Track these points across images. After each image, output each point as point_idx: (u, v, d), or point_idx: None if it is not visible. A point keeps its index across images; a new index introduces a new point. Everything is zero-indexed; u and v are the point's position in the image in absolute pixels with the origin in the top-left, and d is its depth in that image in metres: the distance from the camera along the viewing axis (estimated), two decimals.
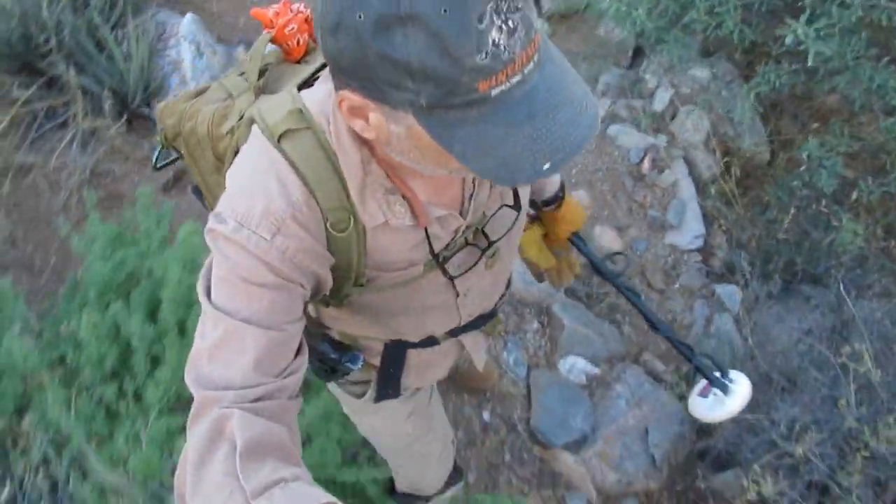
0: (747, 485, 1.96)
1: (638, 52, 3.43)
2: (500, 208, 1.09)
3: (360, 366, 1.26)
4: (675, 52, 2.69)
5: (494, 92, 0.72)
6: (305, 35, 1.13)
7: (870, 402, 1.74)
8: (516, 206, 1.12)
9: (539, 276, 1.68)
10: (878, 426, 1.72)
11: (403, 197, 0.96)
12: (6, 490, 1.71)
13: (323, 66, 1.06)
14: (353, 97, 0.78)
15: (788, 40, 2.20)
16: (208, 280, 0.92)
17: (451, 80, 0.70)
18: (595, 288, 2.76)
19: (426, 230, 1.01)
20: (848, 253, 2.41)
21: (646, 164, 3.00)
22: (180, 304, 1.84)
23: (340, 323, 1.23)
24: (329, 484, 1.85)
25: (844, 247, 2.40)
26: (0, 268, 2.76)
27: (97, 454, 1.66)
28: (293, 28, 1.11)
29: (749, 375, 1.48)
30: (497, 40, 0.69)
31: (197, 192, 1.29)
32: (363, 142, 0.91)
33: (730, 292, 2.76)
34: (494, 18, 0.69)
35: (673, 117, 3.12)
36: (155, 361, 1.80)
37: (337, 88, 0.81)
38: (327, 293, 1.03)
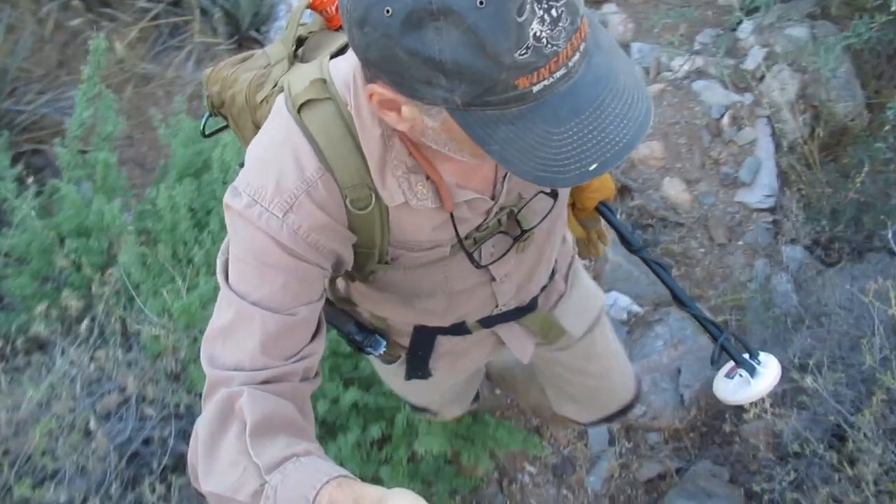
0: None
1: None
2: (535, 195, 1.03)
3: (381, 351, 1.25)
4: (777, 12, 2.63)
5: (536, 88, 0.66)
6: None
7: (892, 345, 1.71)
8: (553, 193, 1.06)
9: None
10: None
11: (427, 178, 0.91)
12: (86, 323, 1.99)
13: None
14: (383, 91, 0.73)
15: None
16: (226, 257, 0.91)
17: (489, 78, 0.65)
18: (656, 234, 2.78)
19: (451, 214, 0.95)
20: None
21: (725, 121, 2.96)
22: None
23: (368, 301, 1.20)
24: None
25: None
26: (119, 162, 3.14)
27: (152, 303, 1.91)
28: None
29: (798, 338, 1.47)
30: (539, 33, 0.63)
31: None
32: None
33: (795, 254, 2.70)
34: (536, 8, 0.63)
35: (763, 77, 3.05)
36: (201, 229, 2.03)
37: (367, 81, 0.76)
38: (350, 269, 1.01)
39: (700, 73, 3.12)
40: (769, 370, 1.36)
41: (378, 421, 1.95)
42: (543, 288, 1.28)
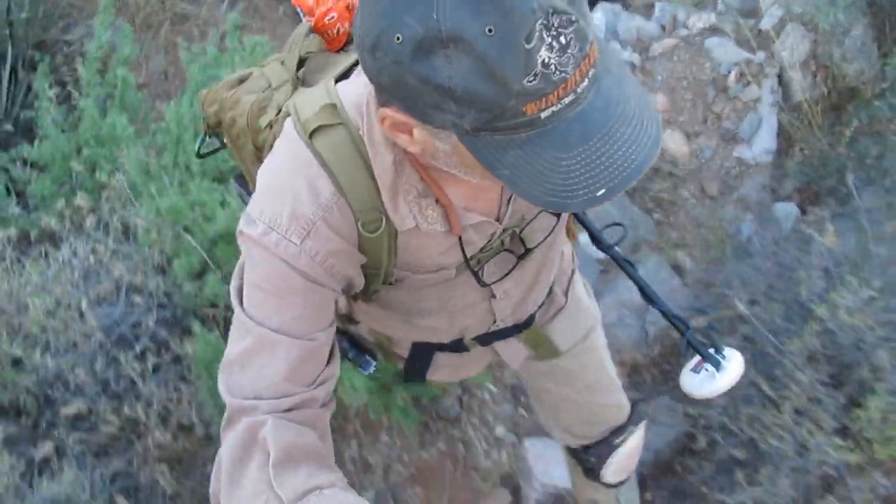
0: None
1: None
2: (539, 213, 1.04)
3: (370, 371, 1.29)
4: None
5: (544, 114, 0.67)
6: (346, 24, 1.09)
7: (830, 277, 1.74)
8: (556, 213, 1.07)
9: None
10: (834, 301, 1.73)
11: (437, 202, 0.92)
12: (91, 220, 2.21)
13: None
14: (395, 115, 0.75)
15: None
16: (240, 282, 0.91)
17: (498, 105, 0.66)
18: (647, 182, 2.82)
19: (459, 237, 0.97)
20: None
21: (732, 77, 2.96)
22: None
23: (370, 318, 1.21)
24: None
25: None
26: (153, 95, 3.37)
27: (149, 204, 2.10)
28: (333, 17, 1.08)
29: (742, 268, 1.51)
30: (547, 60, 0.65)
31: (240, 180, 1.30)
32: (395, 143, 0.85)
33: (787, 211, 2.69)
34: (544, 36, 0.64)
35: (777, 37, 3.02)
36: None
37: (379, 104, 0.77)
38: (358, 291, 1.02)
39: (714, 31, 3.12)
40: (734, 364, 1.39)
41: None
42: (541, 305, 1.29)
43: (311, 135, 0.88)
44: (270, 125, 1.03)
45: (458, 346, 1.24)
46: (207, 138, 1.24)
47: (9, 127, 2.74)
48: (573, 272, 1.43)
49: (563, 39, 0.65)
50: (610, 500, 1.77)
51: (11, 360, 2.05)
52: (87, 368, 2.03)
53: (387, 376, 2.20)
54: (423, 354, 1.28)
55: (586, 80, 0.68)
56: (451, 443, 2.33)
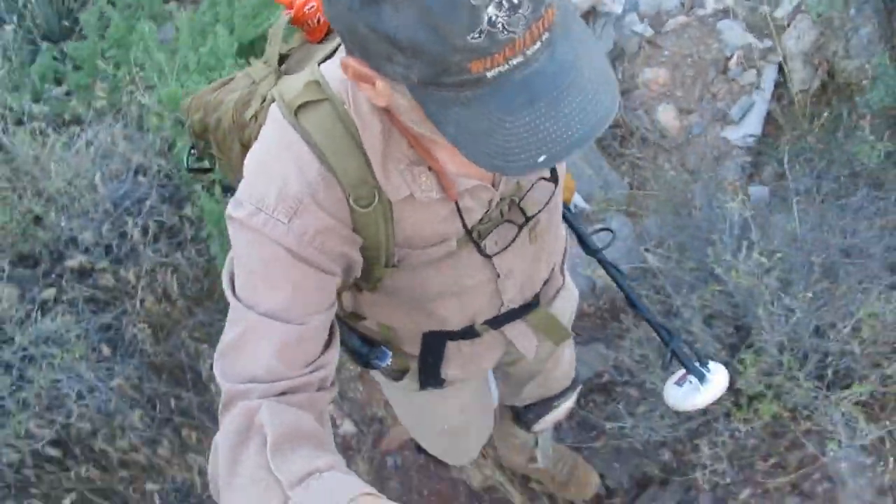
0: None
1: None
2: (535, 184, 1.03)
3: (387, 362, 1.25)
4: None
5: (490, 74, 0.67)
6: None
7: (740, 242, 1.91)
8: (553, 178, 1.06)
9: None
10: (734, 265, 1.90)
11: (430, 168, 0.91)
12: (110, 108, 2.52)
13: None
14: (356, 65, 0.74)
15: None
16: (232, 270, 0.90)
17: (442, 59, 0.66)
18: (630, 148, 2.97)
19: (456, 203, 0.96)
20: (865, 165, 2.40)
21: (734, 60, 3.06)
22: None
23: (378, 311, 1.20)
24: None
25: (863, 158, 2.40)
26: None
27: (159, 94, 2.39)
28: (312, 6, 1.08)
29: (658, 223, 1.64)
30: (494, 18, 0.63)
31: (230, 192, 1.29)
32: (384, 111, 0.85)
33: (759, 193, 2.82)
34: None
35: (787, 26, 3.10)
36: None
37: (346, 52, 0.76)
38: (359, 276, 1.00)
39: (728, 13, 3.21)
40: (717, 377, 1.37)
41: None
42: (545, 282, 1.29)
43: (297, 112, 0.88)
44: (255, 116, 1.02)
45: (469, 333, 1.23)
46: (194, 150, 1.24)
47: (66, 24, 3.08)
48: (566, 249, 1.43)
49: None
50: (528, 439, 1.89)
51: (33, 217, 2.40)
52: (95, 232, 2.36)
53: None
54: (434, 345, 1.26)
55: (539, 42, 0.67)
56: None
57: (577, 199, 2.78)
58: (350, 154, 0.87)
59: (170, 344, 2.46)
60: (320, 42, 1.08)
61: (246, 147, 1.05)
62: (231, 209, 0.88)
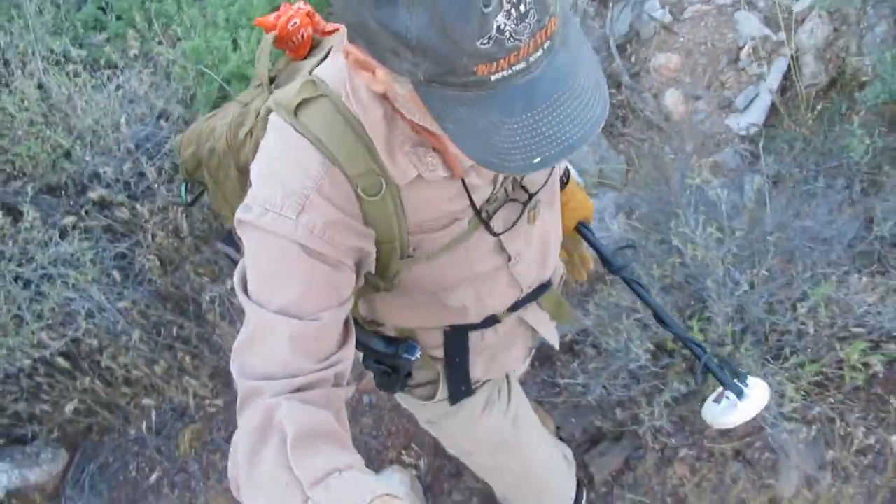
0: None
1: None
2: None
3: (417, 355, 1.23)
4: None
5: (494, 77, 0.70)
6: (309, 28, 1.11)
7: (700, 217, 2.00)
8: None
9: None
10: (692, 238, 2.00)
11: (434, 149, 0.93)
12: (140, 57, 2.72)
13: (329, 53, 1.03)
14: (358, 53, 0.76)
15: None
16: (243, 270, 0.91)
17: (450, 61, 0.68)
18: (629, 126, 3.05)
19: (463, 181, 0.98)
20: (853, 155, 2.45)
21: (746, 50, 3.10)
22: None
23: (396, 314, 1.21)
24: None
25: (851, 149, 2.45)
26: None
27: (182, 47, 2.58)
28: (295, 23, 1.09)
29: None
30: (503, 26, 0.66)
31: (228, 240, 1.29)
32: (384, 97, 0.86)
33: (754, 181, 2.87)
34: (504, 2, 0.66)
35: (804, 21, 3.12)
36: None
37: (347, 39, 0.78)
38: (374, 272, 1.01)
39: (747, 5, 3.24)
40: (756, 392, 1.32)
41: None
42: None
43: (296, 111, 0.90)
44: (251, 132, 1.04)
45: (490, 320, 1.24)
46: (188, 186, 1.24)
47: None
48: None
49: (522, 8, 0.67)
50: None
51: (63, 151, 2.62)
52: (116, 169, 2.57)
53: None
54: (457, 340, 1.26)
55: (540, 50, 0.70)
56: None
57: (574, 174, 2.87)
58: (353, 144, 0.89)
59: (176, 276, 2.67)
60: (305, 58, 1.11)
61: (242, 171, 1.07)
62: (240, 213, 0.89)
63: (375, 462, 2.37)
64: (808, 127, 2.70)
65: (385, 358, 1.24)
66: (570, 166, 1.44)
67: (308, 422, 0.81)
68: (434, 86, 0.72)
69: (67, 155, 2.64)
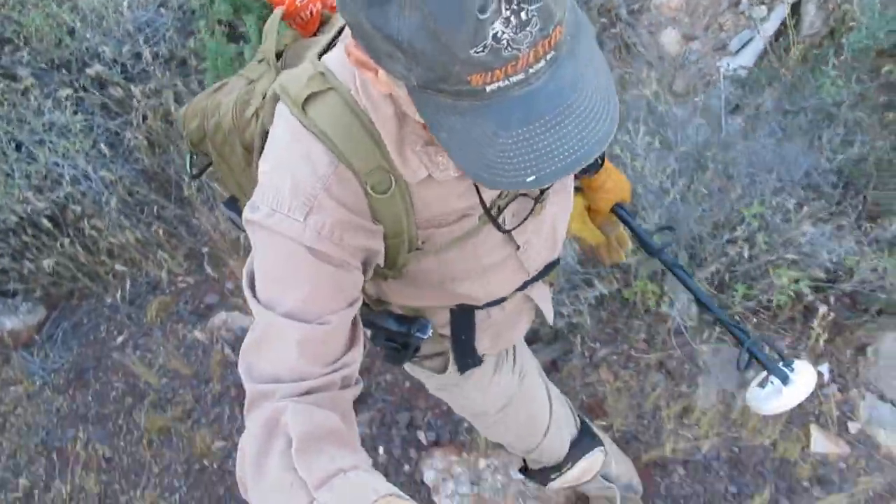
0: None
1: None
2: None
3: (430, 334, 1.21)
4: None
5: (489, 88, 0.65)
6: (318, 4, 1.08)
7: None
8: None
9: (589, 252, 1.57)
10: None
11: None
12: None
13: (341, 31, 0.99)
14: (358, 53, 0.74)
15: None
16: (251, 268, 0.90)
17: (442, 68, 0.64)
18: (623, 65, 3.07)
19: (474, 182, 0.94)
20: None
21: None
22: None
23: (402, 297, 1.19)
24: None
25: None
26: None
27: None
28: None
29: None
30: (500, 34, 0.62)
31: (230, 204, 1.27)
32: (390, 96, 0.84)
33: (734, 124, 2.88)
34: (502, 8, 0.61)
35: None
36: None
37: (351, 38, 0.75)
38: (382, 264, 0.99)
39: None
40: (803, 377, 1.26)
41: None
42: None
43: (304, 105, 0.87)
44: (256, 114, 1.01)
45: (496, 300, 1.22)
46: (194, 158, 1.22)
47: None
48: None
49: (523, 15, 0.62)
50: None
51: (68, 28, 2.76)
52: (115, 49, 2.71)
53: None
54: (464, 319, 1.25)
55: (542, 61, 0.65)
56: None
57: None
58: (362, 141, 0.86)
59: (162, 159, 2.81)
60: (314, 35, 1.07)
61: (247, 149, 1.05)
62: (248, 212, 0.88)
63: None
64: (790, 68, 2.69)
65: (396, 336, 1.22)
66: None
67: (313, 424, 0.81)
68: (428, 92, 0.68)
69: (71, 33, 2.79)
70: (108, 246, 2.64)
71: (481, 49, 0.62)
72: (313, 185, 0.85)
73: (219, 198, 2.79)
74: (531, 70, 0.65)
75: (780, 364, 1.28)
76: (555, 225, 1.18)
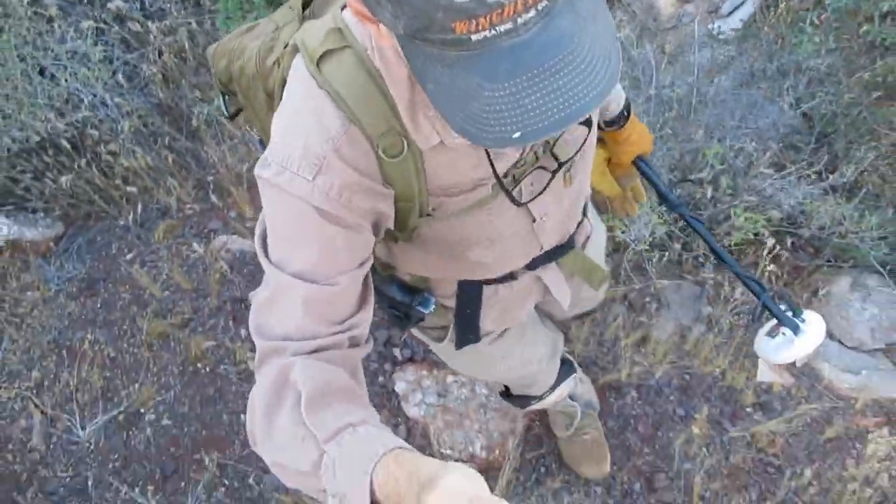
0: None
1: None
2: None
3: (431, 308, 1.22)
4: None
5: (475, 37, 0.63)
6: None
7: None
8: (586, 122, 1.02)
9: (603, 205, 1.57)
10: None
11: None
12: None
13: None
14: (356, 4, 0.73)
15: None
16: (263, 227, 0.90)
17: (424, 15, 0.62)
18: (617, 24, 3.18)
19: (486, 150, 0.93)
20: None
21: None
22: None
23: (413, 262, 1.18)
24: None
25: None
26: None
27: None
28: None
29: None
30: None
31: (263, 144, 1.27)
32: None
33: (721, 84, 2.98)
34: None
35: None
36: None
37: None
38: (392, 227, 0.98)
39: None
40: (813, 328, 1.30)
41: None
42: (579, 224, 1.27)
43: (319, 62, 0.86)
44: (278, 62, 1.00)
45: (505, 276, 1.22)
46: (227, 98, 1.22)
47: None
48: (589, 194, 1.38)
49: None
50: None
51: None
52: None
53: None
54: (471, 293, 1.24)
55: (532, 11, 0.62)
56: None
57: None
58: (375, 102, 0.85)
59: (175, 93, 2.99)
60: None
61: (270, 95, 1.05)
62: (259, 169, 0.88)
63: None
64: (771, 26, 2.79)
65: (399, 306, 1.23)
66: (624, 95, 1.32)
67: (322, 380, 0.81)
68: (416, 42, 0.66)
69: None
70: (123, 172, 2.84)
71: None
72: (323, 145, 0.85)
73: (227, 133, 2.97)
74: (520, 20, 0.62)
75: (791, 315, 1.31)
76: (577, 196, 1.16)
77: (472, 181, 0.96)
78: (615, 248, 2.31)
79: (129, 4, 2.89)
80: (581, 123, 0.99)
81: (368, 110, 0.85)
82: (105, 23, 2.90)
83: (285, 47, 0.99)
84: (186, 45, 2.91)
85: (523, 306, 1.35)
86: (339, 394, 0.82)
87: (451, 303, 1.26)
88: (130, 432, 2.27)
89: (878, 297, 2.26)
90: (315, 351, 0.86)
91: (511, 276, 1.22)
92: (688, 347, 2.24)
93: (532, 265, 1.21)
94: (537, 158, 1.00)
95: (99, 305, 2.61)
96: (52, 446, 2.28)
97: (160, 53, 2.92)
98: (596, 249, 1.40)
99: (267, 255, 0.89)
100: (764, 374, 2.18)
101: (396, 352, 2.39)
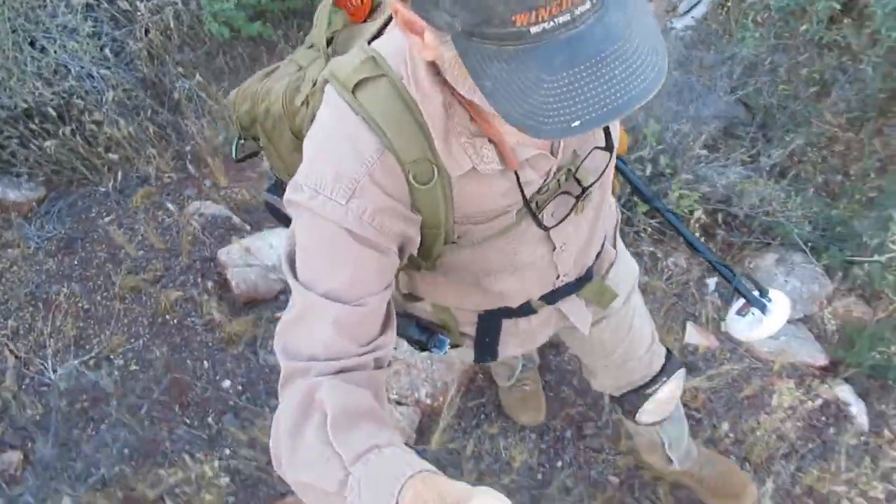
0: None
1: None
2: (590, 152, 1.02)
3: (444, 351, 1.25)
4: None
5: (534, 29, 0.65)
6: None
7: None
8: (608, 146, 1.04)
9: None
10: None
11: (490, 140, 0.90)
12: None
13: (390, 19, 0.99)
14: (404, 11, 0.74)
15: None
16: (291, 248, 0.91)
17: (486, 8, 0.64)
18: None
19: (516, 174, 0.95)
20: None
21: None
22: None
23: (434, 291, 1.20)
24: None
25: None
26: None
27: None
28: None
29: None
30: None
31: (274, 190, 1.30)
32: (443, 83, 0.84)
33: (675, 77, 3.18)
34: None
35: None
36: None
37: None
38: (416, 254, 1.00)
39: None
40: (780, 307, 1.39)
41: None
42: (598, 255, 1.29)
43: (354, 90, 0.88)
44: (307, 101, 1.03)
45: (526, 310, 1.23)
46: (242, 141, 1.24)
47: None
48: (617, 222, 1.42)
49: None
50: (651, 434, 1.73)
51: None
52: None
53: None
54: (491, 325, 1.27)
55: (588, 3, 0.65)
56: None
57: None
58: (409, 130, 0.87)
59: (159, 69, 3.16)
60: (364, 21, 1.08)
61: (297, 135, 1.08)
62: (290, 193, 0.89)
63: None
64: (720, 23, 2.99)
65: (414, 344, 1.28)
66: None
67: (348, 401, 0.82)
68: (473, 40, 0.68)
69: None
70: (106, 141, 2.99)
71: None
72: (357, 169, 0.86)
73: (206, 108, 3.14)
74: (576, 12, 0.65)
75: (758, 295, 1.42)
76: (595, 224, 1.18)
77: (499, 208, 0.99)
78: None
79: None
80: (602, 149, 1.03)
81: (402, 137, 0.88)
82: (96, 0, 3.08)
83: (313, 85, 1.03)
84: (172, 24, 3.09)
85: (543, 333, 1.38)
86: (365, 415, 0.83)
87: (471, 330, 1.29)
88: (99, 375, 2.41)
89: (801, 271, 2.43)
90: (340, 371, 0.87)
91: (531, 310, 1.24)
92: None
93: (551, 298, 1.24)
94: (559, 185, 1.02)
95: (76, 262, 2.76)
96: (23, 387, 2.42)
97: (147, 31, 3.10)
98: (618, 279, 1.39)
99: (295, 275, 0.91)
100: (691, 336, 2.35)
101: None
